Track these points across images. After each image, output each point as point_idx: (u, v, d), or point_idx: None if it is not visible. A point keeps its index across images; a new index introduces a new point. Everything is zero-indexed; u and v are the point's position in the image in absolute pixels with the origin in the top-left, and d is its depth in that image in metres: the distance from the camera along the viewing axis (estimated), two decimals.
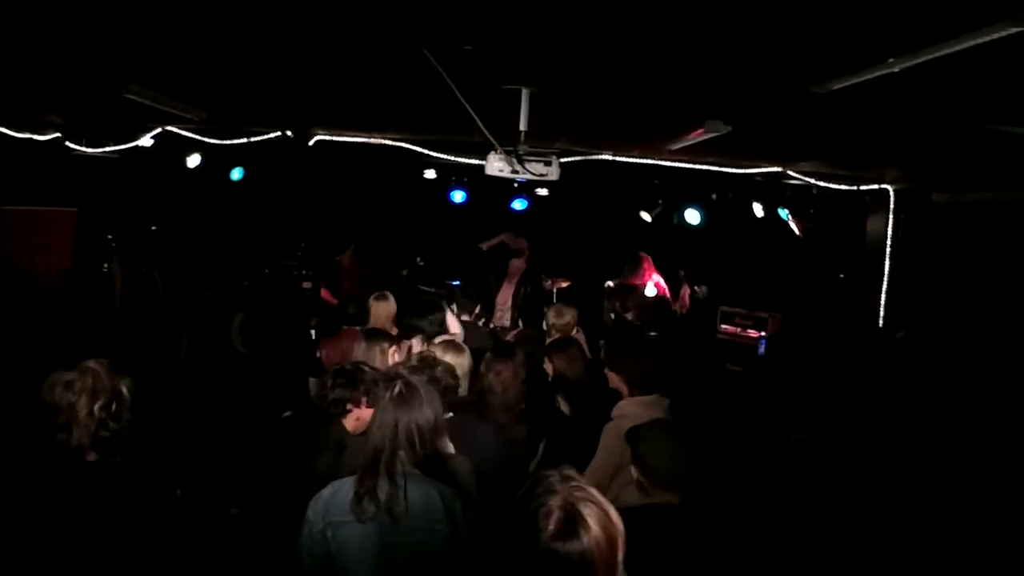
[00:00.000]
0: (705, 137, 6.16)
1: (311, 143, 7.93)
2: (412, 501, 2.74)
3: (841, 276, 9.99)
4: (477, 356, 4.44)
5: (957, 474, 4.81)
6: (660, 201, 10.54)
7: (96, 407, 2.61)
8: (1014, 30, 2.95)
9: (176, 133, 7.97)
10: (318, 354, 5.82)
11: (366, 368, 3.98)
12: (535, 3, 3.42)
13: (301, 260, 10.30)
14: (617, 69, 4.67)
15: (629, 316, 9.04)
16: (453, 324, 5.71)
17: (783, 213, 9.66)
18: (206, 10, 3.82)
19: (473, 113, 5.03)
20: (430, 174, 10.19)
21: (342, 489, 2.82)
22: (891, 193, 8.58)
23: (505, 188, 10.81)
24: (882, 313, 8.68)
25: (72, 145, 7.89)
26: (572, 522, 1.90)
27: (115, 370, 2.73)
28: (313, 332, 7.35)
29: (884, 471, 4.57)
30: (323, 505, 2.82)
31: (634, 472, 3.22)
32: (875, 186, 8.67)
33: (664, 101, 5.61)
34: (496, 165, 5.44)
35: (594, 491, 2.01)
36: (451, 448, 3.38)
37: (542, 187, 10.86)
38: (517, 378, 4.20)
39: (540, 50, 4.31)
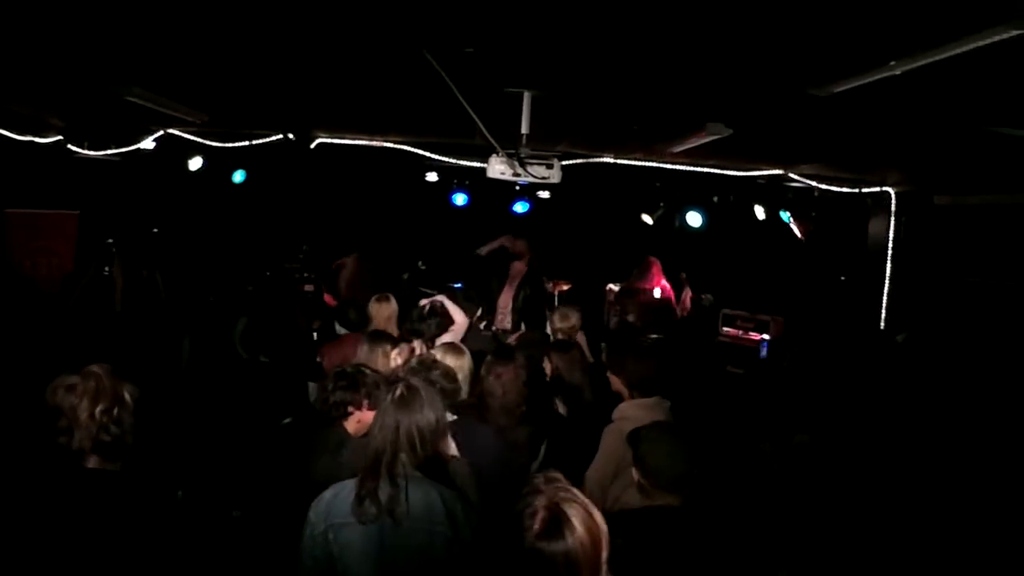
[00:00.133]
0: (707, 140, 6.16)
1: (313, 146, 7.94)
2: (413, 503, 2.74)
3: (843, 279, 9.99)
4: (478, 359, 4.44)
5: (959, 476, 4.80)
6: (662, 204, 10.55)
7: (97, 411, 2.62)
8: (1016, 33, 2.95)
9: (178, 136, 7.98)
10: (319, 359, 5.82)
11: (367, 371, 3.99)
12: (537, 6, 3.42)
13: (303, 263, 10.29)
14: (619, 72, 4.67)
15: (630, 319, 9.05)
16: (456, 313, 5.70)
17: (785, 216, 9.67)
18: (208, 13, 3.83)
19: (475, 116, 5.03)
20: (432, 177, 10.19)
21: (343, 491, 2.82)
22: (892, 196, 8.58)
23: (507, 191, 10.81)
24: (883, 316, 8.67)
25: (74, 148, 7.90)
26: (557, 521, 1.96)
27: (118, 375, 2.73)
28: (315, 335, 7.36)
29: (886, 473, 4.56)
30: (324, 507, 2.82)
31: (635, 474, 3.22)
32: (877, 189, 8.67)
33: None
34: (498, 168, 5.44)
35: (578, 492, 2.07)
36: (454, 450, 3.38)
37: (544, 190, 10.87)
38: (517, 381, 4.20)
39: (542, 53, 4.31)
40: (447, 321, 5.65)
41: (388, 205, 11.61)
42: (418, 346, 5.35)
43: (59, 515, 2.53)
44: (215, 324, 6.75)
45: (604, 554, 2.00)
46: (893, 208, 8.58)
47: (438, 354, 4.36)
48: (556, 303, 9.07)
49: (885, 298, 8.67)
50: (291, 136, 7.66)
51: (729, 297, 10.36)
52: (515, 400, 4.17)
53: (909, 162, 7.78)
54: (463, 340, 5.30)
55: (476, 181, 10.20)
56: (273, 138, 7.84)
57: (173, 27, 4.14)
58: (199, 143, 8.10)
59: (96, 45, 4.67)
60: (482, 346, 5.29)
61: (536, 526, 1.96)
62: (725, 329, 9.82)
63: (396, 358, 4.82)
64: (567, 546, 1.94)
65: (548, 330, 6.21)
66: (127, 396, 2.71)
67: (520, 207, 11.39)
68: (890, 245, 8.65)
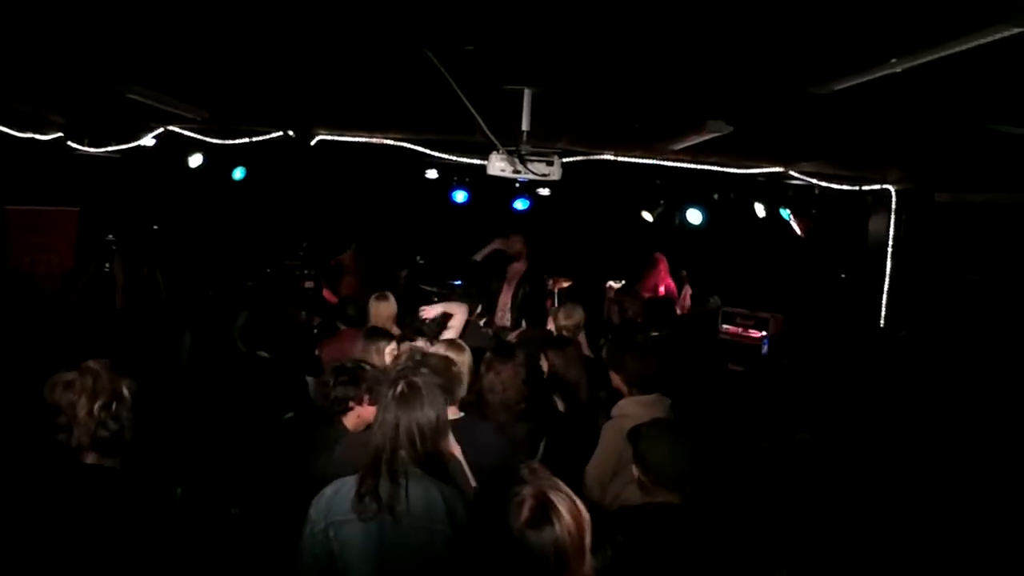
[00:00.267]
0: (707, 137, 6.15)
1: (313, 143, 7.93)
2: (414, 501, 2.74)
3: (843, 276, 9.99)
4: (477, 356, 4.44)
5: (959, 474, 4.81)
6: (662, 201, 10.55)
7: (96, 407, 2.61)
8: (1016, 31, 2.95)
9: (178, 133, 7.98)
10: (317, 353, 5.83)
11: (367, 366, 3.99)
12: (538, 3, 3.42)
13: (303, 260, 10.29)
14: (619, 70, 4.67)
15: (630, 314, 9.03)
16: (455, 308, 5.68)
17: (785, 213, 9.66)
18: (208, 10, 3.83)
19: (475, 113, 5.02)
20: (432, 174, 10.19)
21: (344, 488, 2.82)
22: (893, 193, 8.57)
23: (507, 188, 10.82)
24: (884, 313, 8.67)
25: (74, 145, 7.88)
26: (544, 510, 2.03)
27: (115, 370, 2.73)
28: (316, 332, 7.36)
29: (886, 471, 4.56)
30: (325, 504, 2.82)
31: (635, 471, 3.22)
32: (877, 186, 8.66)
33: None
34: (498, 165, 5.43)
35: (560, 482, 2.15)
36: (456, 449, 3.37)
37: (544, 187, 10.87)
38: (517, 378, 4.20)
39: (543, 51, 4.31)
40: (447, 319, 5.64)
41: (388, 202, 11.61)
42: (423, 344, 5.34)
43: (57, 510, 2.52)
44: (215, 320, 6.75)
45: (588, 539, 2.08)
46: (893, 206, 8.57)
47: (441, 349, 4.36)
48: (556, 300, 9.07)
49: (885, 296, 8.66)
50: (291, 133, 7.66)
51: (729, 295, 10.36)
52: (514, 397, 4.18)
53: (910, 160, 7.78)
54: (462, 337, 5.30)
55: (476, 178, 10.21)
56: (273, 135, 7.83)
57: (173, 25, 4.14)
58: (199, 140, 8.10)
59: (97, 43, 4.68)
60: (482, 343, 5.28)
61: (524, 515, 2.02)
62: (725, 326, 9.82)
63: (391, 354, 4.81)
64: (555, 533, 2.01)
65: (552, 327, 6.21)
66: (125, 391, 2.70)
67: (520, 204, 11.40)
68: (890, 243, 8.64)
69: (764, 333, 9.36)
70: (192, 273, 8.81)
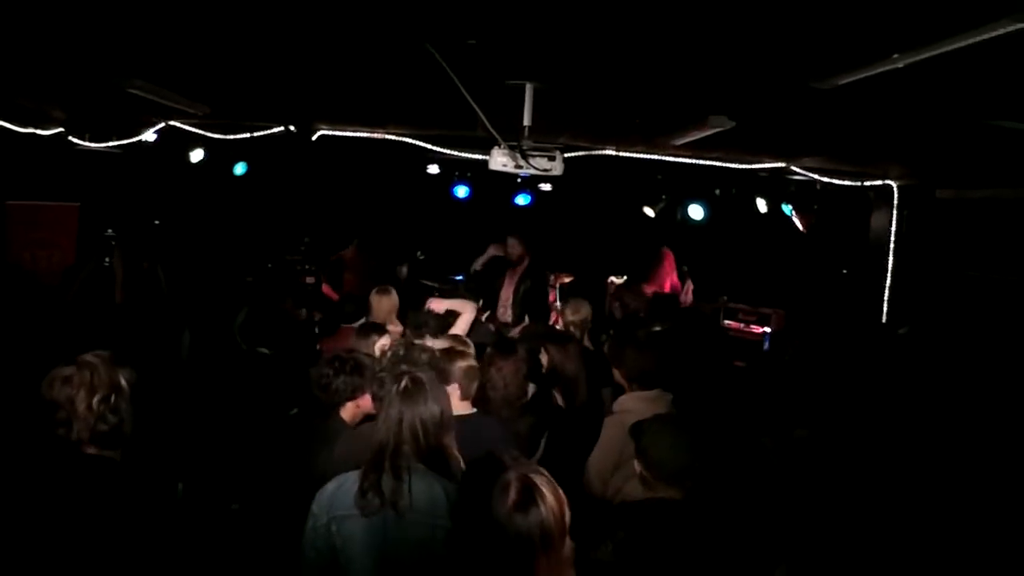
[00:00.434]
0: (709, 133, 6.14)
1: (314, 138, 7.93)
2: (416, 496, 2.74)
3: (844, 272, 9.97)
4: (480, 352, 4.44)
5: (959, 471, 4.80)
6: (663, 196, 10.53)
7: (95, 401, 2.61)
8: (1018, 26, 2.94)
9: (179, 128, 7.96)
10: (318, 348, 5.83)
11: (362, 355, 4.00)
12: None
13: (304, 255, 10.28)
14: (621, 65, 4.66)
15: (630, 308, 9.03)
16: (462, 306, 5.68)
17: (787, 209, 9.64)
18: (209, 4, 3.82)
19: (477, 108, 5.02)
20: (433, 169, 10.17)
21: (347, 483, 2.82)
22: (895, 189, 8.55)
23: (509, 183, 10.80)
24: (885, 309, 8.66)
25: (75, 140, 7.88)
26: (529, 492, 2.11)
27: (113, 362, 2.73)
28: (317, 328, 7.36)
29: (887, 467, 4.56)
30: (328, 499, 2.83)
31: (637, 466, 3.23)
32: (879, 182, 8.64)
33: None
34: (500, 160, 5.42)
35: (539, 466, 2.28)
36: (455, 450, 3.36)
37: (546, 182, 10.84)
38: (518, 373, 4.21)
39: (544, 45, 4.30)
40: (452, 317, 5.63)
41: (390, 198, 11.60)
42: (428, 341, 5.34)
43: (58, 499, 2.53)
44: (215, 316, 6.75)
45: (568, 520, 2.17)
46: (895, 202, 8.55)
47: (445, 344, 4.36)
48: (558, 296, 9.07)
49: (887, 292, 8.65)
50: (292, 128, 7.65)
51: (731, 290, 10.36)
52: (516, 392, 4.18)
53: (912, 156, 7.77)
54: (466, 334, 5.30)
55: (478, 173, 10.20)
56: (274, 130, 7.82)
57: (174, 19, 4.14)
58: (200, 135, 8.08)
59: (98, 37, 4.67)
60: (484, 339, 5.29)
61: (512, 498, 2.09)
62: (727, 322, 9.81)
63: (378, 348, 4.79)
64: (541, 515, 2.09)
65: (559, 323, 6.21)
66: (123, 382, 2.70)
67: (522, 199, 11.38)
68: (892, 239, 8.62)
69: (766, 329, 9.35)
70: (193, 268, 8.81)
